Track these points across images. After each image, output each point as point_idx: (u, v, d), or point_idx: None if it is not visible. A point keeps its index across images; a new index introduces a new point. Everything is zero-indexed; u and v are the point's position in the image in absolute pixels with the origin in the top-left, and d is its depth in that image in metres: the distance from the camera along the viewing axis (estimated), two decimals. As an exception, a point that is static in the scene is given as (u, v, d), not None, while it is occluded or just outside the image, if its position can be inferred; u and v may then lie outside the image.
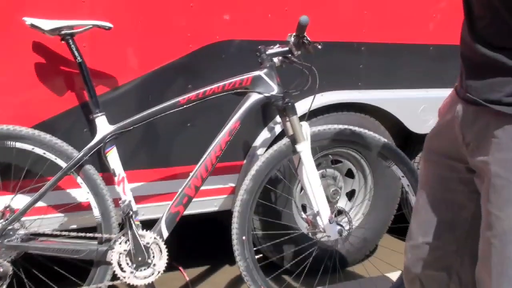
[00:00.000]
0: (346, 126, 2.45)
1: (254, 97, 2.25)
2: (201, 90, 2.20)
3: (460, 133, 1.45)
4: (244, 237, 2.28)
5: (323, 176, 2.89)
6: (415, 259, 1.65)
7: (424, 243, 1.63)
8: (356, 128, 2.47)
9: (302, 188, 2.76)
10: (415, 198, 1.72)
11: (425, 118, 2.93)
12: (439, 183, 1.60)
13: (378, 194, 3.01)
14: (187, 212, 2.29)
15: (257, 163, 2.34)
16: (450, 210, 1.58)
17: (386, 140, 2.50)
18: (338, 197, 2.87)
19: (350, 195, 3.08)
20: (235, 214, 2.31)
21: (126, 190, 2.18)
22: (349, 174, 3.04)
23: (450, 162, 1.55)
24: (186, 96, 2.19)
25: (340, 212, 2.52)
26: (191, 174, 2.22)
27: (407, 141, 3.15)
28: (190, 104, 2.20)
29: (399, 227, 2.88)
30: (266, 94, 2.25)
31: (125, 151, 2.35)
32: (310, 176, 2.31)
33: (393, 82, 2.91)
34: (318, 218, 2.37)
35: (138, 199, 2.39)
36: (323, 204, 2.34)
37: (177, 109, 2.19)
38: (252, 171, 2.33)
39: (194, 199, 2.24)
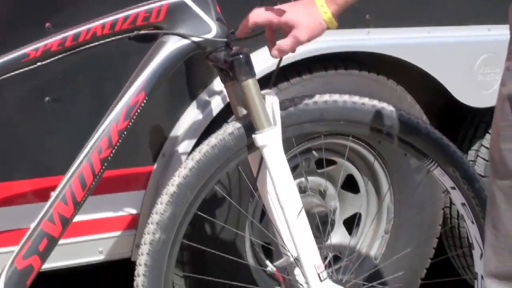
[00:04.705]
0: (345, 97, 2.43)
1: (172, 45, 2.23)
2: (70, 33, 2.17)
3: None
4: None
5: (301, 190, 2.92)
6: None
7: None
8: (364, 100, 2.44)
9: (263, 215, 2.80)
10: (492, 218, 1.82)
11: (486, 78, 3.00)
12: None
13: (404, 223, 3.07)
14: (47, 265, 2.30)
15: (181, 171, 2.31)
16: None
17: (420, 120, 2.49)
18: (328, 229, 2.90)
19: (351, 223, 3.12)
20: (140, 268, 2.30)
21: None
22: (350, 185, 3.09)
23: None
24: (41, 44, 2.15)
25: (335, 258, 2.55)
26: (53, 194, 2.17)
27: (453, 121, 3.23)
28: (50, 60, 2.16)
29: (437, 283, 2.95)
30: (196, 39, 2.24)
31: None
32: (283, 193, 2.27)
33: (428, 14, 2.94)
34: (297, 271, 2.38)
35: None
36: (307, 246, 2.31)
37: (22, 70, 2.15)
38: (172, 186, 2.29)
39: (60, 241, 2.21)
